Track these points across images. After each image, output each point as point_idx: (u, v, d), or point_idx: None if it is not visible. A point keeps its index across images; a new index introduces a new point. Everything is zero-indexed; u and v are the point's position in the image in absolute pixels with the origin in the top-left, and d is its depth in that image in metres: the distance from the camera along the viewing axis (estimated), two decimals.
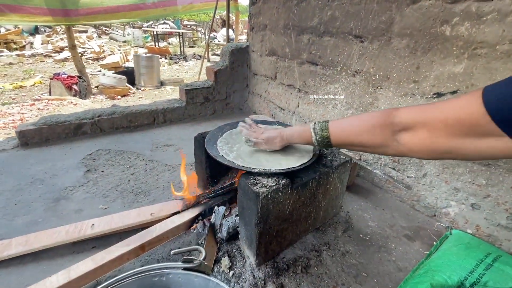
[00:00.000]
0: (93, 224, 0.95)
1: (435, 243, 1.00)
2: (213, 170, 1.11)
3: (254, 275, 0.86)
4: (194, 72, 6.50)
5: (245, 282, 0.83)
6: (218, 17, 11.09)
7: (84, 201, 1.17)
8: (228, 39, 4.31)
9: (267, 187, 0.77)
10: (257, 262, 0.88)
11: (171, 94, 4.71)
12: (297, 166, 0.85)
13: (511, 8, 0.80)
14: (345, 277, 0.89)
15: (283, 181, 0.80)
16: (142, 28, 10.66)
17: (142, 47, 8.54)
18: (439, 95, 1.01)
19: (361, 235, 1.06)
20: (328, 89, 1.48)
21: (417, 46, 1.05)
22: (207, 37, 8.36)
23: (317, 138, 0.75)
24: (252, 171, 0.81)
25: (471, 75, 0.92)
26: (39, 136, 1.56)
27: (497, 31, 0.83)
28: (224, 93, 2.13)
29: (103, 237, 0.96)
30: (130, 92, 4.64)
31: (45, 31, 9.77)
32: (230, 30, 7.59)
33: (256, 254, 0.86)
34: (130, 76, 4.85)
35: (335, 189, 1.03)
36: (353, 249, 1.00)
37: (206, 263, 0.51)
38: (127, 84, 4.64)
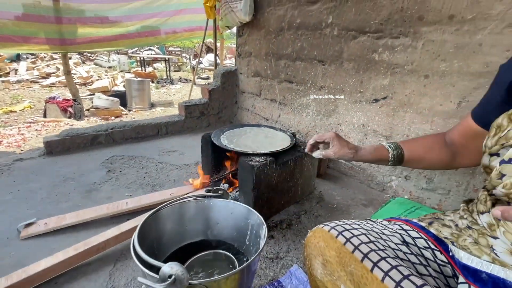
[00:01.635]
0: (127, 203, 1.25)
1: (382, 205, 1.37)
2: (217, 161, 1.44)
3: None
4: (181, 94, 6.88)
5: None
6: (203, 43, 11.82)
7: (112, 191, 1.45)
8: (216, 64, 4.78)
9: (259, 162, 1.12)
10: None
11: (162, 115, 5.03)
12: (279, 150, 1.22)
13: (410, 42, 1.25)
14: None
15: (270, 159, 1.16)
16: (128, 54, 11.07)
17: (129, 72, 8.89)
18: (376, 100, 1.44)
19: (329, 205, 1.42)
20: (302, 101, 1.90)
21: (359, 67, 1.49)
22: (194, 62, 8.90)
23: (394, 153, 0.79)
24: (248, 153, 1.17)
25: (393, 86, 1.35)
26: (62, 146, 1.83)
27: (403, 57, 1.28)
28: (217, 109, 2.51)
29: (135, 212, 1.24)
30: (123, 114, 4.91)
31: (27, 57, 9.92)
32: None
33: None
34: (121, 98, 5.14)
35: (308, 170, 1.40)
36: (323, 213, 1.35)
37: (227, 191, 0.84)
38: (120, 106, 4.92)
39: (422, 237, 0.62)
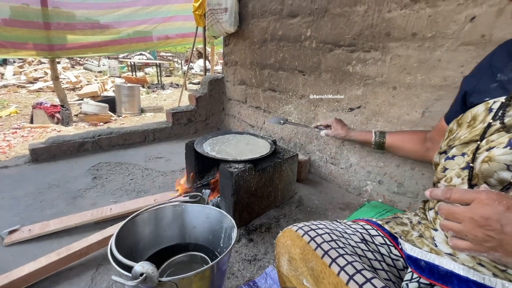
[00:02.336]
0: (111, 209, 1.28)
1: (358, 208, 1.45)
2: (201, 167, 1.50)
3: None
4: (172, 99, 6.90)
5: None
6: (194, 49, 11.90)
7: (97, 198, 1.48)
8: (206, 70, 4.85)
9: (238, 168, 1.19)
10: None
11: (151, 120, 5.05)
12: (258, 157, 1.28)
13: (379, 56, 1.35)
14: None
15: (249, 165, 1.22)
16: (118, 59, 11.04)
17: (119, 77, 8.86)
18: (351, 109, 1.53)
19: (308, 209, 1.49)
20: (285, 109, 1.98)
21: (336, 78, 1.58)
22: (185, 67, 8.95)
23: (376, 139, 1.11)
24: (228, 160, 1.23)
25: (366, 96, 1.45)
26: (48, 153, 1.85)
27: (374, 69, 1.38)
28: (204, 115, 2.57)
29: (119, 218, 1.28)
30: (112, 119, 4.90)
31: (14, 62, 9.77)
32: (207, 61, 8.22)
33: (233, 218, 1.24)
34: (110, 104, 5.14)
35: (287, 176, 1.47)
36: (302, 216, 1.41)
37: (204, 198, 0.89)
38: (109, 112, 4.92)
39: (379, 235, 0.69)
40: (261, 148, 1.41)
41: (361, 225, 0.73)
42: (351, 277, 0.50)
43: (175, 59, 13.35)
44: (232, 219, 0.80)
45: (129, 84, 5.49)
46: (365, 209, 1.36)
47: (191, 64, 10.85)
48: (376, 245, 0.66)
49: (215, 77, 2.57)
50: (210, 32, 2.34)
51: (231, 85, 2.52)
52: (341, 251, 0.55)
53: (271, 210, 1.45)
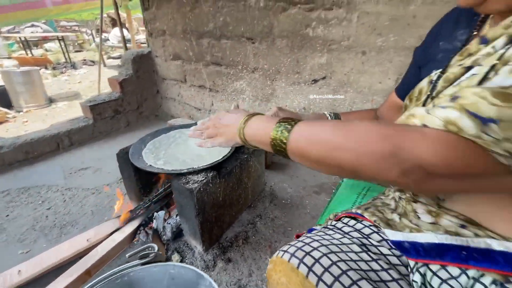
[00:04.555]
0: (19, 270, 0.88)
1: (333, 191, 1.35)
2: (144, 181, 1.15)
3: (204, 260, 0.99)
4: (90, 81, 5.71)
5: (197, 267, 0.96)
6: (105, 15, 9.85)
7: None
8: (125, 42, 3.99)
9: (198, 182, 0.90)
10: (204, 248, 1.01)
11: (67, 112, 4.08)
12: (220, 159, 1.00)
13: (344, 15, 1.13)
14: (276, 236, 1.12)
15: (211, 174, 0.94)
16: (2, 35, 8.51)
17: (9, 58, 6.87)
18: (315, 81, 1.33)
19: (283, 201, 1.32)
20: (235, 86, 1.67)
21: (293, 45, 1.33)
22: (97, 39, 7.40)
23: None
24: (182, 172, 0.92)
25: (331, 65, 1.25)
26: None
27: (339, 32, 1.17)
28: (135, 103, 2.07)
29: (37, 280, 0.90)
30: (9, 118, 3.79)
31: None
32: (124, 30, 6.96)
33: (202, 241, 0.99)
34: (2, 97, 3.94)
35: (256, 170, 1.24)
36: (279, 213, 1.24)
37: (160, 253, 0.61)
38: (1, 108, 3.76)
39: (373, 231, 0.62)
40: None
41: (353, 227, 0.64)
42: None
43: (83, 30, 11.00)
44: (212, 281, 0.54)
45: (23, 68, 4.23)
46: (343, 192, 1.25)
47: (105, 34, 9.09)
48: (375, 246, 0.59)
49: (139, 52, 2.04)
50: None
51: (163, 61, 2.04)
52: (347, 280, 0.46)
53: (244, 212, 1.23)
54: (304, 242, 0.54)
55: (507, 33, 0.37)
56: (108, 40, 8.73)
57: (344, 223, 0.65)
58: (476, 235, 0.45)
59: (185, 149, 1.09)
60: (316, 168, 0.52)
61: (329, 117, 0.88)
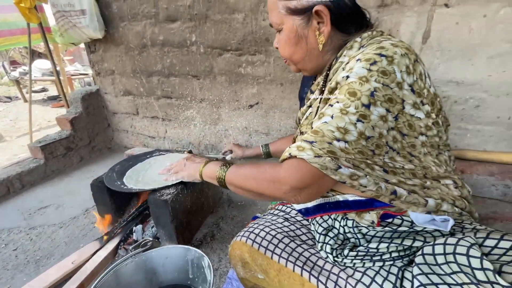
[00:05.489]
0: None
1: None
2: (118, 205, 1.33)
3: None
4: (10, 119, 5.13)
5: None
6: (20, 47, 8.90)
7: None
8: (57, 73, 3.82)
9: (171, 194, 1.16)
10: None
11: None
12: None
13: (264, 58, 1.56)
14: (236, 230, 1.41)
15: (180, 187, 1.21)
16: None
17: None
18: (251, 106, 1.72)
19: (239, 203, 1.63)
20: (186, 114, 1.96)
21: (231, 80, 1.71)
22: (13, 73, 6.67)
23: (264, 151, 1.29)
24: (157, 188, 1.17)
25: (261, 93, 1.66)
26: None
27: (263, 70, 1.59)
28: (87, 138, 2.15)
29: None
30: None
31: None
32: (47, 62, 6.55)
33: (177, 242, 1.22)
34: None
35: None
36: (236, 213, 1.55)
37: (156, 240, 0.85)
38: None
39: (292, 209, 0.90)
40: None
41: (281, 210, 0.93)
42: (287, 259, 0.69)
43: None
44: (196, 250, 0.82)
45: None
46: None
47: (24, 67, 8.24)
48: (293, 217, 0.87)
49: (87, 90, 2.16)
50: (65, 39, 1.90)
51: (113, 97, 2.20)
52: (276, 241, 0.73)
53: (208, 218, 1.50)
54: (249, 227, 0.81)
55: (317, 88, 0.74)
56: (27, 73, 7.92)
57: (277, 209, 0.93)
58: (332, 195, 0.71)
59: (152, 173, 1.33)
60: (242, 192, 0.82)
61: (261, 148, 1.30)
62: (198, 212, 1.38)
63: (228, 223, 1.47)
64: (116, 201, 1.31)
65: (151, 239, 0.85)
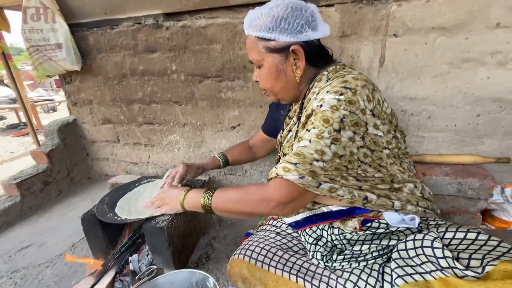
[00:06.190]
0: None
1: None
2: (110, 237, 1.33)
3: None
4: None
5: None
6: None
7: None
8: (21, 99, 3.61)
9: (166, 220, 1.20)
10: None
11: None
12: None
13: (243, 84, 1.68)
14: (230, 248, 1.47)
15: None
16: None
17: None
18: (233, 127, 1.82)
19: (229, 222, 1.69)
20: (170, 139, 2.00)
21: (213, 104, 1.80)
22: None
23: (222, 161, 1.30)
24: (150, 217, 1.20)
25: (242, 116, 1.77)
26: None
27: (242, 94, 1.71)
28: (65, 170, 2.10)
29: None
30: None
31: None
32: (7, 89, 6.21)
33: (174, 268, 1.25)
34: None
35: None
36: (228, 231, 1.60)
37: (159, 267, 0.89)
38: None
39: (283, 223, 1.00)
40: None
41: (272, 224, 1.02)
42: (282, 270, 0.78)
43: None
44: (200, 271, 0.88)
45: None
46: None
47: None
48: (284, 230, 0.97)
49: (64, 121, 2.12)
50: (40, 72, 1.88)
51: (91, 126, 2.17)
52: (271, 255, 0.82)
53: (201, 239, 1.53)
54: (244, 244, 0.90)
55: (295, 115, 0.87)
56: None
57: (268, 224, 1.03)
58: (318, 208, 0.83)
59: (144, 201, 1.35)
60: (230, 215, 0.90)
61: (218, 157, 1.29)
62: (191, 235, 1.42)
63: (221, 242, 1.52)
64: (108, 233, 1.31)
65: (155, 267, 0.89)
